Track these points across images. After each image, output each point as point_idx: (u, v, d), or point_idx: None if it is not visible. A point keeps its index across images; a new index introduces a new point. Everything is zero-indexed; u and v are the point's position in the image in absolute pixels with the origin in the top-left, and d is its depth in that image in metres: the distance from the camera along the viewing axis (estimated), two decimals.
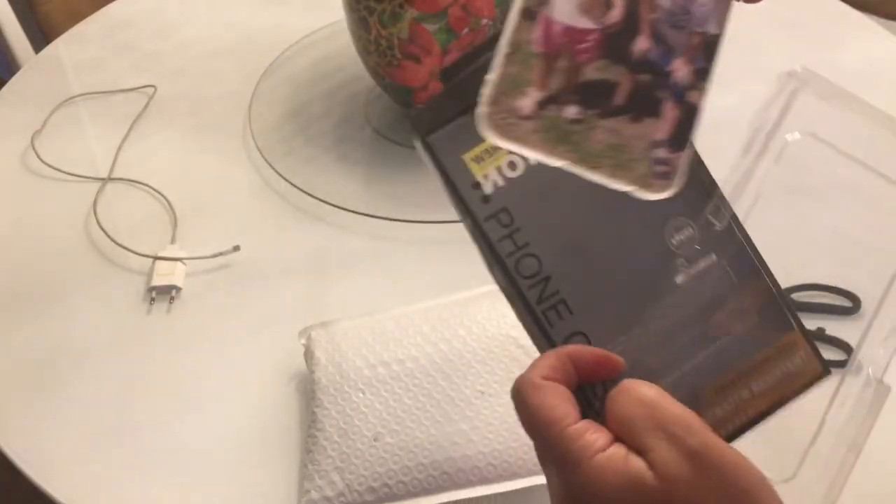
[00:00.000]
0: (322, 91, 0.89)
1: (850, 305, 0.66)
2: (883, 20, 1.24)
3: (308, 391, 0.58)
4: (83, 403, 0.61)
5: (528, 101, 0.28)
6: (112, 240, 0.71)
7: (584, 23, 0.28)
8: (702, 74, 0.29)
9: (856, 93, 0.99)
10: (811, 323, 0.45)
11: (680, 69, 0.29)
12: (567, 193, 0.33)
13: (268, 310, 0.67)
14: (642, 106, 0.29)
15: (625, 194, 0.30)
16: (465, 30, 0.70)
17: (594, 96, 0.28)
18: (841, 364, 0.62)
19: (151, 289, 0.67)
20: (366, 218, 0.74)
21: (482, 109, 0.28)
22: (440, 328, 0.58)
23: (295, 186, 0.77)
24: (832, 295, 0.66)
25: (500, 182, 0.33)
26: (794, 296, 0.66)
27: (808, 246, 0.73)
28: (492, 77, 0.28)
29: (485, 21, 0.71)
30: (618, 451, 0.31)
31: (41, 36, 1.19)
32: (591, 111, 0.28)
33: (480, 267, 0.37)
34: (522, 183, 0.34)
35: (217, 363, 0.63)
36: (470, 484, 0.52)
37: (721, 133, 0.85)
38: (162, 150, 0.82)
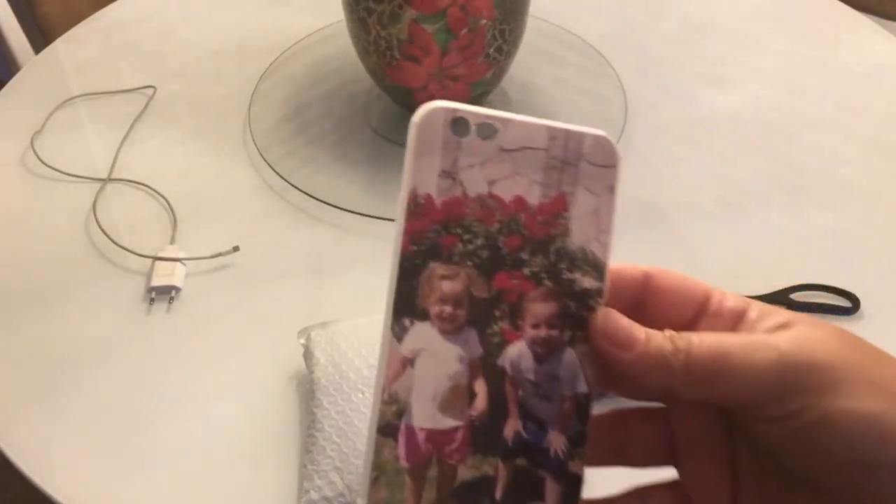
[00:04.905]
0: (322, 92, 0.89)
1: (849, 306, 0.66)
2: (883, 20, 1.24)
3: (308, 391, 0.58)
4: (83, 403, 0.61)
5: None
6: (112, 240, 0.71)
7: (449, 422, 0.26)
8: (579, 440, 0.26)
9: (854, 93, 0.99)
10: None
11: (555, 442, 0.26)
12: None
13: (268, 310, 0.67)
14: (522, 494, 0.26)
15: None
16: (464, 30, 0.70)
17: (472, 497, 0.26)
18: None
19: (151, 289, 0.68)
20: (366, 218, 0.74)
21: None
22: None
23: (295, 187, 0.77)
24: (832, 295, 0.66)
25: None
26: (794, 295, 0.66)
27: (809, 246, 0.72)
28: None
29: (483, 21, 0.71)
30: None
31: (41, 36, 1.19)
32: None
33: None
34: None
35: (217, 363, 0.63)
36: None
37: (721, 133, 0.85)
38: (162, 150, 0.82)
